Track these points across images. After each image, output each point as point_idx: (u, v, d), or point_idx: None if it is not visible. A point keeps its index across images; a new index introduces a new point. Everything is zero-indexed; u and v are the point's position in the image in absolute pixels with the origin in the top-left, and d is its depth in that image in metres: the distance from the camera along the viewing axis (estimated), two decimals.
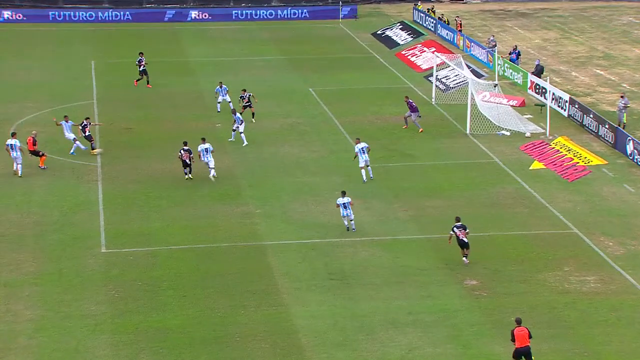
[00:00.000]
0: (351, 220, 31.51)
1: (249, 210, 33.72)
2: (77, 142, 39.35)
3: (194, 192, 35.44)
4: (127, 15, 70.16)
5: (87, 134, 39.29)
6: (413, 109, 42.89)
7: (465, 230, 28.84)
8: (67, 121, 39.58)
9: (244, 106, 43.69)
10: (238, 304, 26.66)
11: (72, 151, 39.27)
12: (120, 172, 37.65)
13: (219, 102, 45.63)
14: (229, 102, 44.76)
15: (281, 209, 33.78)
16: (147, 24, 68.87)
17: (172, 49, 59.15)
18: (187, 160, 36.30)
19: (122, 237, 31.32)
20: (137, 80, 50.21)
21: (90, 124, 39.67)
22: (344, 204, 31.37)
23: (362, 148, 35.91)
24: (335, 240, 30.94)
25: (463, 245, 28.84)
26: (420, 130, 42.46)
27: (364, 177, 36.02)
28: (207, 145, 36.24)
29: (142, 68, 49.96)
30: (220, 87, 45.58)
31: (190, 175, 36.61)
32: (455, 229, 28.86)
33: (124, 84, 51.20)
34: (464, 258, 28.97)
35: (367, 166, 36.06)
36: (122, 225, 32.34)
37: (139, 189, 35.87)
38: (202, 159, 36.08)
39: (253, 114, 43.94)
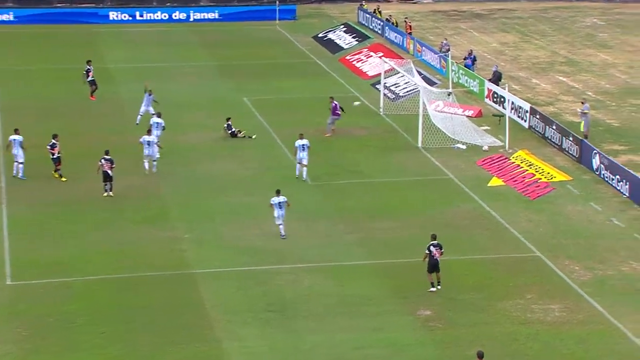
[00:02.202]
0: (279, 225, 32.26)
1: (177, 234, 33.55)
2: (21, 165, 38.06)
3: (114, 214, 35.16)
4: (35, 16, 69.38)
5: (55, 156, 38.08)
6: (334, 113, 43.91)
7: (441, 249, 29.07)
8: (18, 134, 38.53)
9: (232, 134, 43.64)
10: (165, 341, 26.46)
11: (20, 174, 38.25)
12: (29, 192, 37.15)
13: (140, 114, 45.30)
14: (153, 113, 44.30)
15: (213, 233, 33.68)
16: (59, 25, 68.25)
17: (88, 54, 58.54)
18: (109, 172, 36.27)
19: (31, 267, 30.88)
20: (92, 94, 49.45)
21: (57, 144, 37.96)
22: (279, 203, 32.17)
23: (303, 145, 37.88)
24: (274, 267, 30.94)
25: (435, 267, 28.96)
26: (326, 135, 43.58)
27: (297, 172, 38.02)
28: (151, 137, 38.57)
29: (90, 78, 49.50)
30: (150, 94, 45.31)
31: (110, 193, 36.47)
32: (432, 247, 29.04)
33: (33, 93, 50.64)
34: (432, 287, 28.95)
35: (304, 165, 37.95)
36: (30, 253, 31.89)
37: (50, 211, 35.44)
38: (146, 152, 38.46)
39: (234, 132, 43.77)
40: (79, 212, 35.41)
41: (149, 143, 38.65)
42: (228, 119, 44.14)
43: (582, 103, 44.88)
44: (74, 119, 46.76)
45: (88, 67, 49.80)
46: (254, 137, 43.79)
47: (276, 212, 32.42)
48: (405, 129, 45.10)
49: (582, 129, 43.38)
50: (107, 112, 47.93)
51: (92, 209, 35.67)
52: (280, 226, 32.54)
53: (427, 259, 29.09)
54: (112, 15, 70.61)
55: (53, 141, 38.40)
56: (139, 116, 45.37)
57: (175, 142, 42.40)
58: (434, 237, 29.36)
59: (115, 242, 32.82)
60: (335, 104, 44.41)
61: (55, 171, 38.37)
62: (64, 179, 38.19)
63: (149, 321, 27.53)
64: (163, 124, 41.39)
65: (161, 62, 58.51)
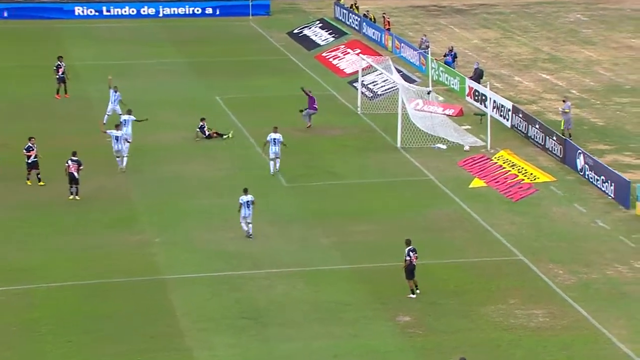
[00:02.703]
0: (249, 223, 32.50)
1: (147, 238, 33.43)
2: None
3: (81, 217, 34.99)
4: None
5: (31, 160, 37.34)
6: (311, 107, 44.57)
7: (415, 253, 29.10)
8: None
9: (206, 137, 43.33)
10: (134, 350, 26.34)
11: None
12: None
13: (107, 114, 45.10)
14: (120, 114, 44.09)
15: (184, 237, 33.58)
16: (20, 20, 67.83)
17: (53, 50, 58.28)
18: (75, 174, 36.11)
19: None
20: (58, 92, 49.15)
21: (35, 146, 37.28)
22: (247, 202, 32.34)
23: (275, 139, 38.60)
24: (247, 273, 30.87)
25: (414, 273, 28.94)
26: (307, 126, 44.47)
27: (272, 169, 38.60)
28: (119, 132, 38.79)
29: (60, 75, 49.12)
30: (115, 91, 45.14)
31: (76, 197, 36.31)
32: (411, 253, 29.03)
33: None
34: (412, 294, 28.99)
35: (277, 158, 38.68)
36: None
37: (14, 215, 35.22)
38: (115, 147, 38.79)
39: (209, 135, 43.52)
40: (45, 215, 35.21)
41: (117, 138, 38.76)
42: (202, 120, 43.91)
43: (564, 101, 45.12)
44: (39, 118, 46.47)
45: (59, 62, 49.48)
46: (225, 136, 43.54)
47: (243, 212, 32.55)
48: (384, 129, 45.15)
49: (562, 127, 43.63)
50: (74, 110, 47.74)
51: (58, 212, 35.49)
52: (244, 225, 32.67)
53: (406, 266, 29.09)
54: (78, 10, 70.26)
55: (29, 144, 37.86)
56: (106, 115, 45.19)
57: (145, 142, 42.25)
58: (409, 242, 29.37)
59: (82, 246, 32.65)
60: (313, 98, 44.71)
61: (33, 175, 37.58)
62: (41, 183, 37.79)
63: (116, 329, 27.39)
64: (134, 119, 41.26)
65: (129, 60, 58.28)
